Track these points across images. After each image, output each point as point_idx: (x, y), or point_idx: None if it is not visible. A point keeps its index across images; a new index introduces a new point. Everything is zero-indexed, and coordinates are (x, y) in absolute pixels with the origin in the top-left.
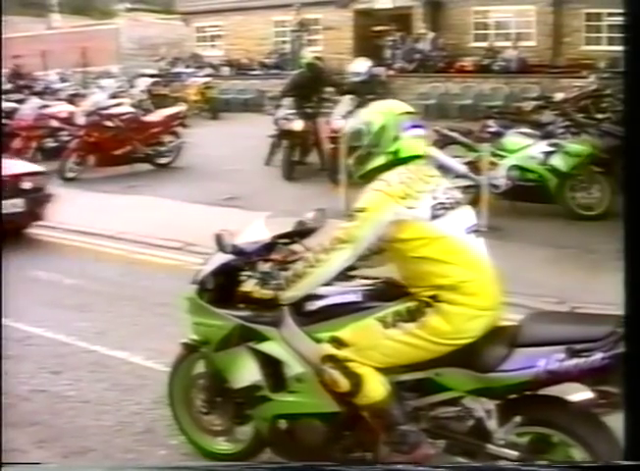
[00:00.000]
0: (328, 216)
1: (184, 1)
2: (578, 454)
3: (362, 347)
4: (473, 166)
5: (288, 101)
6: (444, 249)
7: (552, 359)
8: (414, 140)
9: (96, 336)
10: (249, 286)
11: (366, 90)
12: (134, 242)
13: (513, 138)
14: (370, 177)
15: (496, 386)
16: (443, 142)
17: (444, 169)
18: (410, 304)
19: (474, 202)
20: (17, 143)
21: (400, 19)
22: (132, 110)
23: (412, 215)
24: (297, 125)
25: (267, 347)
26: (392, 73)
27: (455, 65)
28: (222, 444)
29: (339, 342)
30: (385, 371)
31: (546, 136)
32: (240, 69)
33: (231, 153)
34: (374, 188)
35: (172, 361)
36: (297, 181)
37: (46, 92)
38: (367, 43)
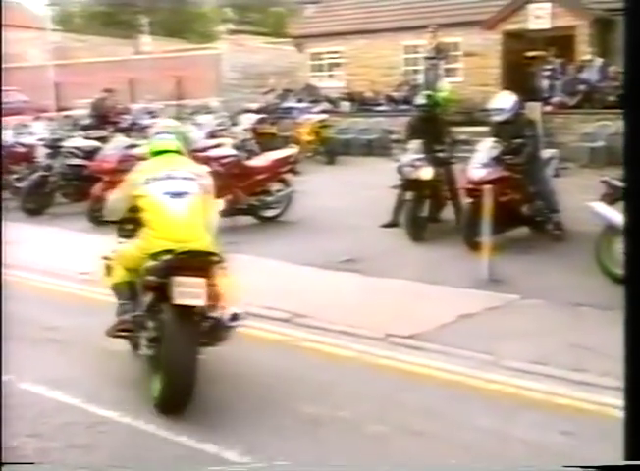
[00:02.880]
0: (464, 285)
1: (297, 23)
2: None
3: (119, 253)
4: None
5: (415, 144)
6: (145, 202)
7: None
8: (158, 142)
9: None
10: None
11: (511, 131)
12: None
13: None
14: None
15: None
16: (612, 196)
17: (612, 227)
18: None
19: None
20: (98, 189)
21: (561, 41)
22: (233, 152)
23: (137, 183)
24: (426, 173)
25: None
26: (549, 108)
27: None
28: None
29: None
30: (133, 272)
31: None
32: (362, 104)
33: (350, 206)
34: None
35: None
36: (428, 242)
37: (133, 129)
38: (519, 72)
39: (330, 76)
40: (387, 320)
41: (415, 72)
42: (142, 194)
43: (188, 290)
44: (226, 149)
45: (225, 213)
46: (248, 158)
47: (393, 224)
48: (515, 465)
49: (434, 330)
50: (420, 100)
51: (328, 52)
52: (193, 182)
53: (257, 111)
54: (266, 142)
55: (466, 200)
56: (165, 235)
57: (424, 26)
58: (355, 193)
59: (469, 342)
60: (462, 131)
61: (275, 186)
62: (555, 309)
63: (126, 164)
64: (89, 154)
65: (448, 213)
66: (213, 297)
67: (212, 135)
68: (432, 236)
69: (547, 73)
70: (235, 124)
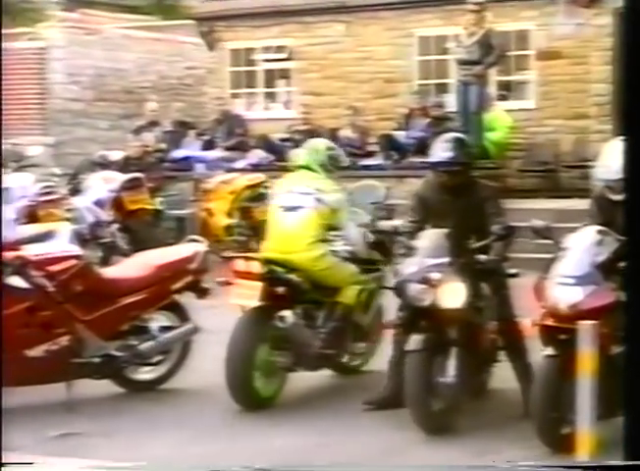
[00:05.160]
0: None
1: None
2: None
3: None
4: None
5: (431, 237)
6: (268, 216)
7: None
8: (297, 158)
9: None
10: None
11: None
12: None
13: None
14: None
15: None
16: None
17: None
18: None
19: None
20: None
21: None
22: (73, 250)
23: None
24: (453, 295)
25: None
26: None
27: None
28: None
29: None
30: None
31: None
32: None
33: None
34: None
35: None
36: (457, 435)
37: None
38: None
39: (268, 95)
40: None
41: (440, 88)
42: (269, 209)
43: (242, 292)
44: (59, 244)
45: (55, 373)
46: (105, 262)
47: (385, 401)
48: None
49: None
50: (442, 151)
51: (266, 49)
52: (310, 196)
53: (123, 165)
54: (142, 229)
55: (544, 351)
56: (273, 245)
57: (458, 0)
58: None
59: None
60: (536, 209)
61: (157, 318)
62: None
63: None
64: None
65: (502, 375)
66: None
67: (31, 215)
68: (467, 425)
69: None
70: (77, 190)
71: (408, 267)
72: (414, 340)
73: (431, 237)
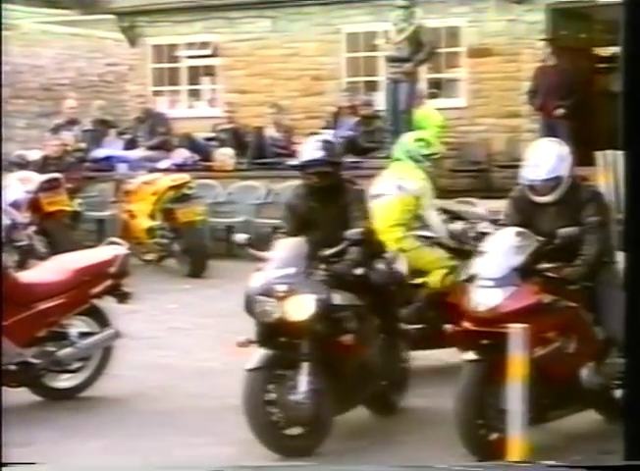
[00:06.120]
0: None
1: None
2: None
3: None
4: None
5: (286, 246)
6: None
7: None
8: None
9: None
10: None
11: (556, 213)
12: None
13: None
14: None
15: None
16: None
17: None
18: None
19: None
20: None
21: None
22: None
23: None
24: (300, 308)
25: None
26: None
27: None
28: None
29: None
30: None
31: None
32: (260, 152)
33: (237, 368)
34: None
35: None
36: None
37: None
38: (581, 89)
39: (193, 93)
40: None
41: (370, 86)
42: None
43: None
44: None
45: None
46: (21, 266)
47: None
48: (514, 463)
49: None
50: (310, 152)
51: (189, 45)
52: (392, 184)
53: (41, 165)
54: (60, 231)
55: (466, 356)
56: None
57: None
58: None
59: None
60: (462, 212)
61: (76, 324)
62: None
63: None
64: None
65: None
66: None
67: None
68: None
69: None
70: None
71: (257, 280)
72: (254, 358)
73: (286, 247)
